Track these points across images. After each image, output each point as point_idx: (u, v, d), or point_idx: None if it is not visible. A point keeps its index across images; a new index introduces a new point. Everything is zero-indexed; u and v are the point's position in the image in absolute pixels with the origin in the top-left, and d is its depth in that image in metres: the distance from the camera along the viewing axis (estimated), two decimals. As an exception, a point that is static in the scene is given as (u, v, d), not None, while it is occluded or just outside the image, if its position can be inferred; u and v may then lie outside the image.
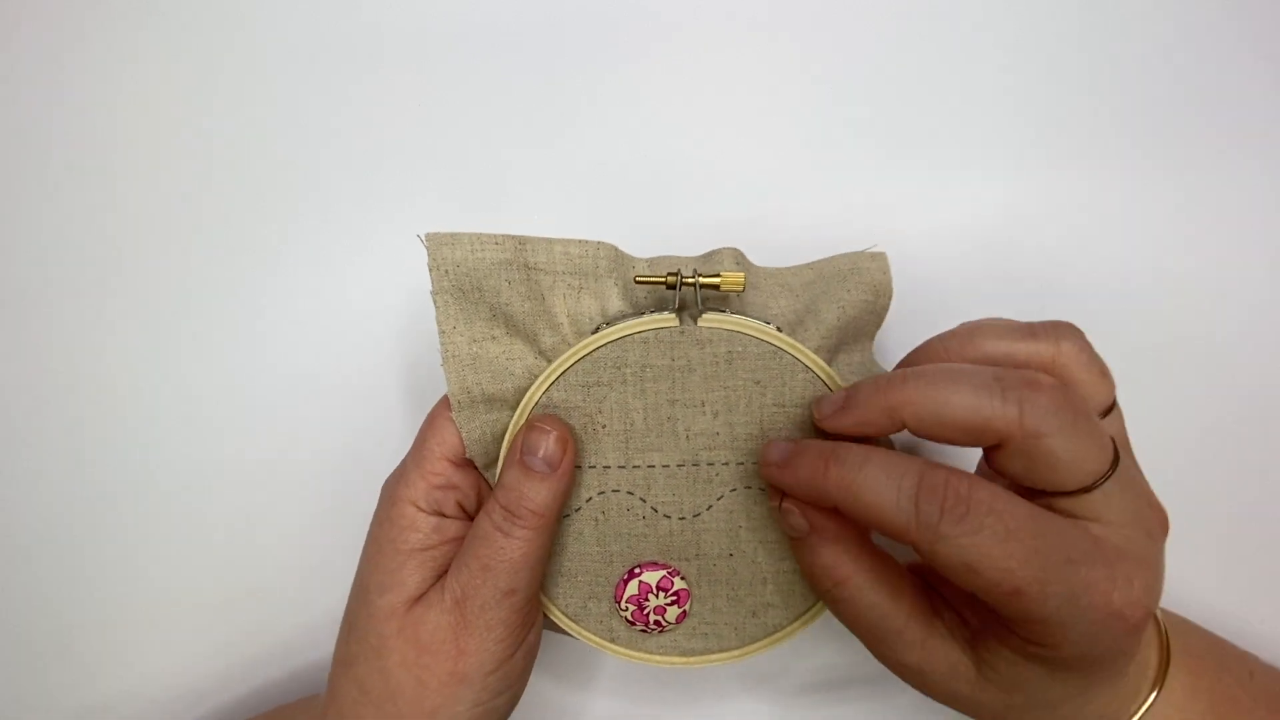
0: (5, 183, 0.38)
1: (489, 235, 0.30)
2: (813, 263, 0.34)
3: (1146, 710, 0.30)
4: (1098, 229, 0.40)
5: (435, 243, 0.30)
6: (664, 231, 0.38)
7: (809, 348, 0.31)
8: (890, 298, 0.34)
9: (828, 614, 0.33)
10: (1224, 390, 0.41)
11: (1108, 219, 0.41)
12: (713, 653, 0.33)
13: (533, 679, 0.33)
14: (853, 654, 0.42)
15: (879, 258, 0.34)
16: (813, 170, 0.40)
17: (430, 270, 0.30)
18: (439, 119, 0.39)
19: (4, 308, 0.38)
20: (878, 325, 0.35)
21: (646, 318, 0.31)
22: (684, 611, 0.33)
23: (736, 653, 0.33)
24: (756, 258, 0.34)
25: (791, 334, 0.32)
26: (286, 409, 0.38)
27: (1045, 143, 0.40)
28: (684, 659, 0.33)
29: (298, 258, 0.39)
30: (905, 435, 0.28)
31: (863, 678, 0.42)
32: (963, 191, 0.40)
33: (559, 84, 0.39)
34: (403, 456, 0.32)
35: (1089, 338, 0.29)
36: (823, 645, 0.42)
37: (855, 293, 0.33)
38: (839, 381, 0.31)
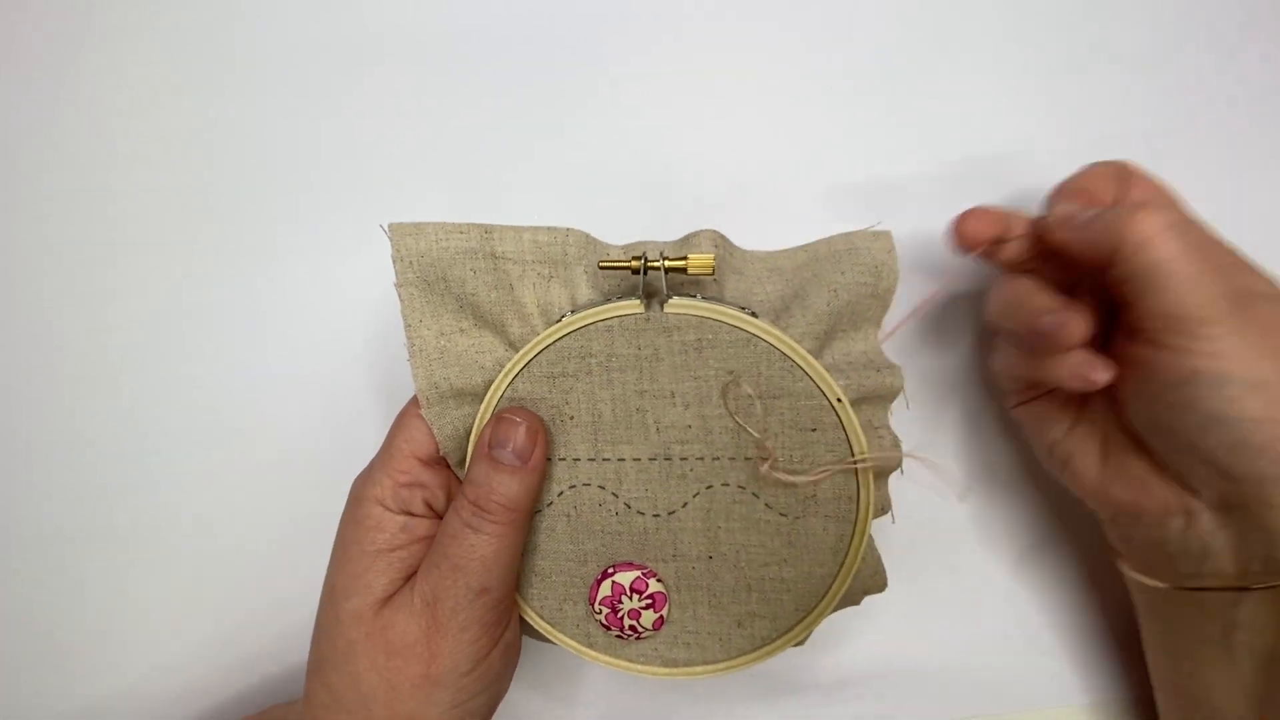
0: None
1: (454, 224, 0.30)
2: (807, 244, 0.32)
3: None
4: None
5: (399, 233, 0.29)
6: (659, 225, 0.37)
7: (792, 335, 0.29)
8: (895, 279, 0.31)
9: (825, 623, 0.31)
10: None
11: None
12: (696, 664, 0.31)
13: (516, 684, 0.32)
14: (853, 654, 0.39)
15: (882, 236, 0.31)
16: (809, 155, 0.39)
17: (394, 262, 0.30)
18: (425, 117, 0.38)
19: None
20: (883, 310, 0.32)
21: (610, 304, 0.29)
22: (660, 617, 0.30)
23: (722, 665, 0.31)
24: (755, 246, 0.32)
25: (775, 320, 0.30)
26: (277, 410, 0.38)
27: (1046, 122, 0.39)
28: (667, 670, 0.31)
29: (278, 258, 0.39)
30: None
31: (866, 677, 0.39)
32: (961, 169, 0.38)
33: (549, 79, 0.38)
34: (378, 457, 0.32)
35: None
36: (824, 646, 0.39)
37: (850, 275, 0.30)
38: (822, 372, 0.28)
